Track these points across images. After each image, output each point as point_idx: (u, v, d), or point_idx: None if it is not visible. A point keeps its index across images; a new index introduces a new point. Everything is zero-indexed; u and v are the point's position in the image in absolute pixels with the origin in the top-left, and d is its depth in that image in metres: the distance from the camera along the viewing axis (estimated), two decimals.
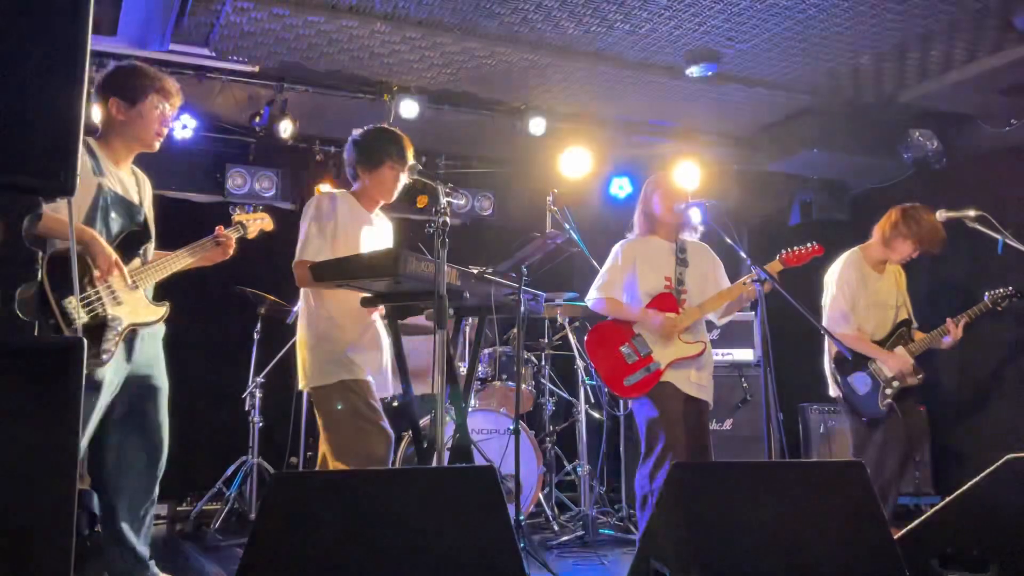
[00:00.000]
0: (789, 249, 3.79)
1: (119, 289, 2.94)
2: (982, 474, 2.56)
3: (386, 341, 3.43)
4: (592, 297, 3.95)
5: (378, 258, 3.01)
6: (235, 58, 4.75)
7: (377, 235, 3.48)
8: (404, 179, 3.43)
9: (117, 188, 3.04)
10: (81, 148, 2.93)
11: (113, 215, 2.99)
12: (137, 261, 3.07)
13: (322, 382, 3.22)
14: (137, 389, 3.04)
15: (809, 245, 3.79)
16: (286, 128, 5.36)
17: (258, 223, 3.58)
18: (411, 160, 3.38)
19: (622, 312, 3.90)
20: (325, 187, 5.58)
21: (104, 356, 2.84)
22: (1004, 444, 3.51)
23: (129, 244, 3.03)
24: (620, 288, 3.90)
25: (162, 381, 3.15)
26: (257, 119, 5.38)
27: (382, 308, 3.32)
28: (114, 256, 2.88)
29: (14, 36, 1.60)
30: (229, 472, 5.23)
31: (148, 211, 3.20)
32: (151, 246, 3.19)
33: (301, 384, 3.31)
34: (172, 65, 4.85)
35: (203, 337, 5.82)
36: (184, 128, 5.33)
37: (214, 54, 4.69)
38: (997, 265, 4.31)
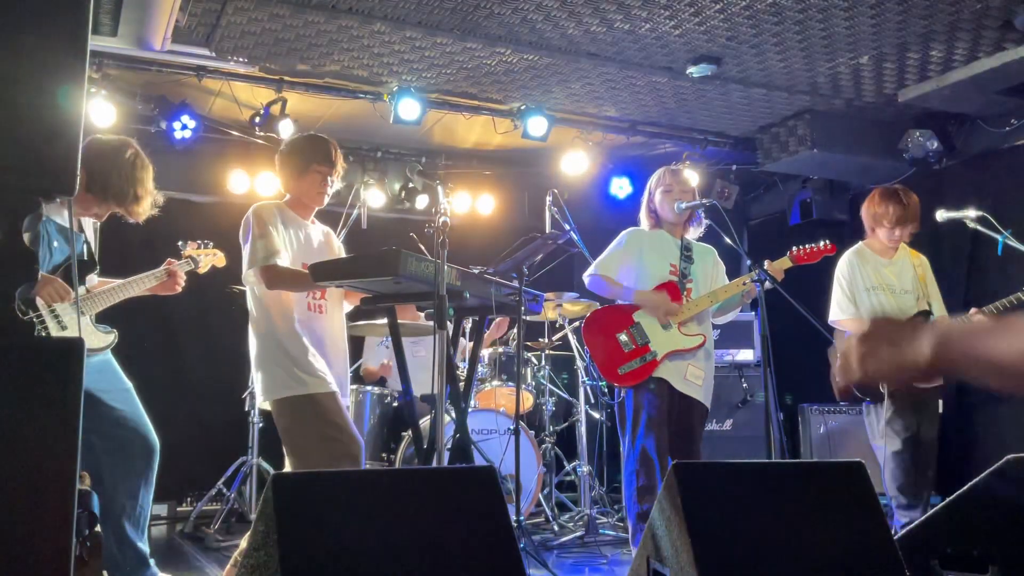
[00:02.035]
0: (800, 247, 3.76)
1: (64, 314, 2.98)
2: (982, 474, 2.56)
3: (345, 346, 3.33)
4: (588, 274, 3.92)
5: (378, 258, 3.00)
6: (235, 58, 4.75)
7: (315, 242, 3.32)
8: (333, 181, 3.29)
9: (57, 218, 3.07)
10: None
11: (55, 244, 3.04)
12: (81, 290, 3.12)
13: (286, 394, 3.05)
14: None
15: (822, 243, 3.78)
16: (286, 128, 5.36)
17: (210, 258, 3.58)
18: (339, 162, 3.28)
19: (616, 290, 3.87)
20: None
21: None
22: (1004, 444, 3.51)
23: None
24: (617, 271, 3.88)
25: None
26: (257, 119, 5.37)
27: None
28: (59, 282, 2.94)
29: (14, 36, 1.60)
30: (229, 472, 5.22)
31: (91, 241, 3.25)
32: (95, 275, 3.23)
33: (260, 400, 3.16)
34: (172, 65, 4.85)
35: (203, 337, 5.82)
36: (184, 128, 5.30)
37: (214, 54, 4.68)
38: (997, 265, 4.29)
